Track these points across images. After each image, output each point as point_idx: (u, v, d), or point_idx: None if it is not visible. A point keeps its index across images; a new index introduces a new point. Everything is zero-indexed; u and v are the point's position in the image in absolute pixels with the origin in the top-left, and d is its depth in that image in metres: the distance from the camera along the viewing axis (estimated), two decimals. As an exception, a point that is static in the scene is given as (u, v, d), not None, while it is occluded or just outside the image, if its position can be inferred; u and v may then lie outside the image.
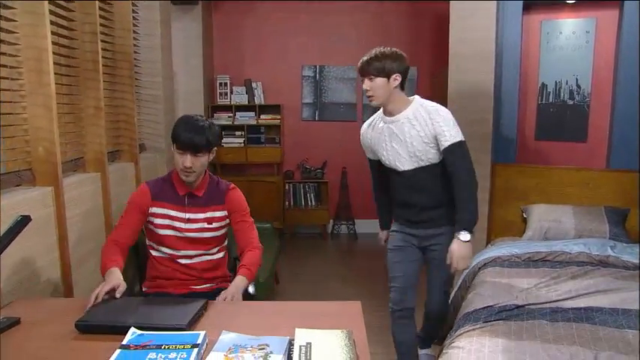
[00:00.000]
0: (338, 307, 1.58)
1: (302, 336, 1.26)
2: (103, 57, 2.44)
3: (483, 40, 3.21)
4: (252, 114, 4.92)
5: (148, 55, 3.33)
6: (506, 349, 1.78)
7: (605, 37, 3.29)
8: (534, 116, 3.54)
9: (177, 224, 1.93)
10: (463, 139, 1.99)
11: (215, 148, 1.93)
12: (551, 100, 3.49)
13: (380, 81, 1.99)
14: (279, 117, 4.95)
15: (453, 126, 1.97)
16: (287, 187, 5.11)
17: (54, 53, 1.97)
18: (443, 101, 3.51)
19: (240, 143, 4.95)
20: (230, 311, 1.60)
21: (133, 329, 1.36)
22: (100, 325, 1.43)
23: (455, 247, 1.98)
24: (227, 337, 1.34)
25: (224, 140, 4.92)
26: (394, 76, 1.99)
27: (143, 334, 1.35)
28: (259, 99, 4.98)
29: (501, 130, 3.51)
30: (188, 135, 1.82)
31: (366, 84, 2.02)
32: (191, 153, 1.83)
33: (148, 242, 2.02)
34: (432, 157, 2.03)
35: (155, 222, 1.93)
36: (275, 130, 5.02)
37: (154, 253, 1.99)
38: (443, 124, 1.97)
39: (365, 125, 2.24)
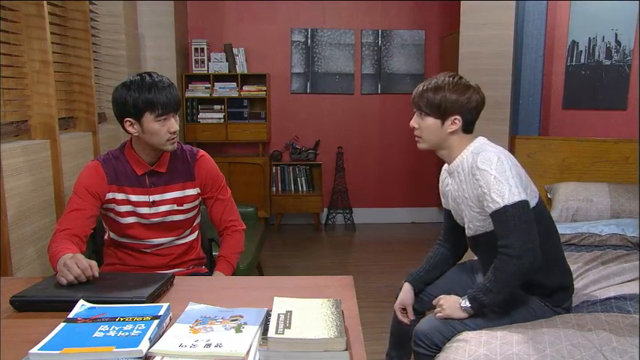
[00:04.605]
0: (326, 280, 1.58)
1: (281, 305, 1.24)
2: (49, 3, 2.41)
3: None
4: (234, 85, 4.89)
5: (107, 8, 3.30)
6: (522, 340, 1.76)
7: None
8: (562, 80, 3.53)
9: (140, 210, 1.88)
10: (510, 203, 1.65)
11: None
12: (582, 60, 3.47)
13: (431, 122, 1.77)
14: (264, 89, 4.92)
15: (493, 183, 1.66)
16: (274, 169, 5.10)
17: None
18: (454, 65, 3.51)
19: (220, 119, 4.92)
20: (201, 285, 1.59)
21: (82, 302, 1.34)
22: (41, 301, 1.41)
23: (452, 300, 1.78)
24: (194, 309, 1.33)
25: (200, 115, 4.90)
26: (452, 118, 1.75)
27: (94, 307, 1.33)
28: (241, 67, 4.95)
29: (522, 97, 3.50)
30: (165, 95, 1.77)
31: (414, 120, 1.82)
32: (173, 114, 1.82)
33: (104, 226, 1.99)
34: (479, 224, 1.80)
35: (114, 209, 1.88)
36: (260, 103, 4.99)
37: (112, 236, 1.96)
38: (482, 182, 1.69)
39: (443, 168, 2.01)
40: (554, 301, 1.88)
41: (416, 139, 1.84)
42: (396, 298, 2.05)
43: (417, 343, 1.78)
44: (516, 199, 1.65)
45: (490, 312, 1.79)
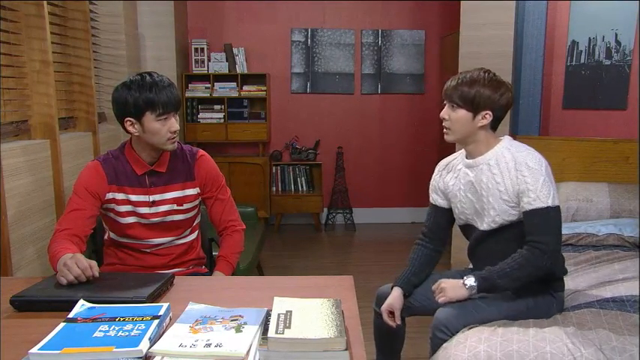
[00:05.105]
0: (326, 280, 1.58)
1: (281, 304, 1.24)
2: (49, 3, 2.41)
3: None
4: (234, 85, 4.89)
5: (107, 8, 3.30)
6: (522, 337, 1.77)
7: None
8: (562, 80, 3.53)
9: (140, 210, 1.88)
10: (553, 205, 1.73)
11: None
12: (582, 60, 3.47)
13: (462, 114, 1.80)
14: (264, 88, 4.93)
15: (542, 184, 1.73)
16: (274, 169, 5.10)
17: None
18: (454, 65, 3.52)
19: (220, 119, 4.92)
20: (201, 285, 1.59)
21: (82, 302, 1.34)
22: (41, 301, 1.41)
23: (453, 281, 1.82)
24: (194, 309, 1.33)
25: (200, 115, 4.91)
26: (484, 113, 1.79)
27: (94, 307, 1.33)
28: (241, 67, 4.95)
29: (522, 97, 3.50)
30: (165, 94, 1.78)
31: (445, 111, 1.84)
32: (174, 113, 1.83)
33: (105, 226, 1.99)
34: (508, 218, 1.83)
35: (114, 209, 1.88)
36: (260, 103, 5.00)
37: (112, 236, 1.96)
38: (530, 179, 1.74)
39: (441, 164, 2.05)
40: (555, 287, 1.95)
41: (444, 130, 1.87)
42: (376, 301, 2.04)
43: (440, 329, 1.77)
44: (557, 203, 1.75)
45: (506, 299, 1.84)
